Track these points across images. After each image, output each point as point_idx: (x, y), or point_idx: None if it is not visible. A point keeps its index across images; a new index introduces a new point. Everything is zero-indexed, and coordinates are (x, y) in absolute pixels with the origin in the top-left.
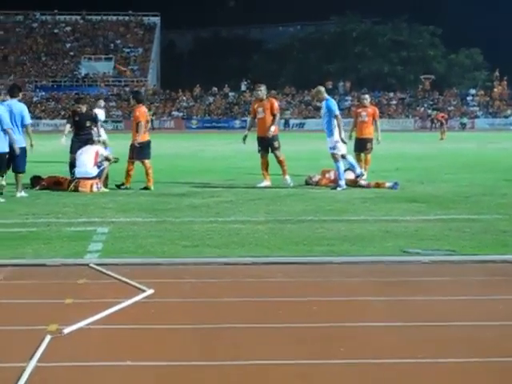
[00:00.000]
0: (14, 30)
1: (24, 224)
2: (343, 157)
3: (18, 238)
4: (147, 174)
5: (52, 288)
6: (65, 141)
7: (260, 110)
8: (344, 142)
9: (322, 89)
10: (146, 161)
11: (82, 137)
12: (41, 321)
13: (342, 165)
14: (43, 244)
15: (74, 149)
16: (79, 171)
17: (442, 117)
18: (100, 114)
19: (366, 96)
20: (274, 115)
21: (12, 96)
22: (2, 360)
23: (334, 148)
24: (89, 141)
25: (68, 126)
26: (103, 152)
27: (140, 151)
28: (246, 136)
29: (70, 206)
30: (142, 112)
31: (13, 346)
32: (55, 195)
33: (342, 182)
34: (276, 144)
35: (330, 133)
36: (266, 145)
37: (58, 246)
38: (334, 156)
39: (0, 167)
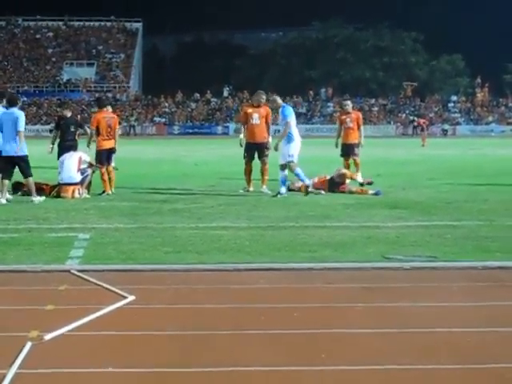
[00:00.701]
0: None
1: (5, 230)
2: (283, 167)
3: None
4: (110, 179)
5: (33, 294)
6: (51, 149)
7: (256, 116)
8: (275, 149)
9: (277, 97)
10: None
11: (66, 143)
12: (22, 327)
13: (300, 170)
14: (24, 250)
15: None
16: (63, 177)
17: (424, 122)
18: None
19: (348, 102)
20: (267, 123)
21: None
22: None
23: (292, 156)
24: (72, 147)
25: (54, 134)
26: (86, 158)
27: (102, 157)
28: (241, 140)
29: (51, 211)
30: (96, 118)
31: None
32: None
33: (307, 181)
34: (267, 152)
35: (289, 139)
36: (255, 152)
37: (39, 252)
38: (290, 165)
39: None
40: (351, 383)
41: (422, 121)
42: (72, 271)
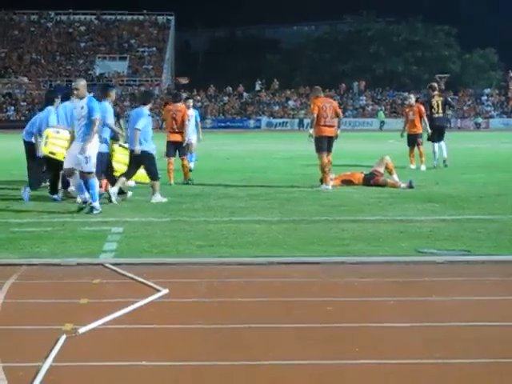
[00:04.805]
0: (29, 30)
1: (39, 223)
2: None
3: (34, 237)
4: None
5: (67, 288)
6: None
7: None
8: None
9: (81, 82)
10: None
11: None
12: (56, 320)
13: (96, 183)
14: (58, 243)
15: None
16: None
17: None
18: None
19: (411, 96)
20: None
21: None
22: (17, 359)
23: (91, 160)
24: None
25: None
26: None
27: (168, 148)
28: (310, 134)
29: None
30: (165, 110)
31: (28, 345)
32: (70, 194)
33: (79, 199)
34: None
35: (87, 138)
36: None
37: (73, 245)
38: (91, 174)
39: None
40: (385, 377)
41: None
42: (106, 265)
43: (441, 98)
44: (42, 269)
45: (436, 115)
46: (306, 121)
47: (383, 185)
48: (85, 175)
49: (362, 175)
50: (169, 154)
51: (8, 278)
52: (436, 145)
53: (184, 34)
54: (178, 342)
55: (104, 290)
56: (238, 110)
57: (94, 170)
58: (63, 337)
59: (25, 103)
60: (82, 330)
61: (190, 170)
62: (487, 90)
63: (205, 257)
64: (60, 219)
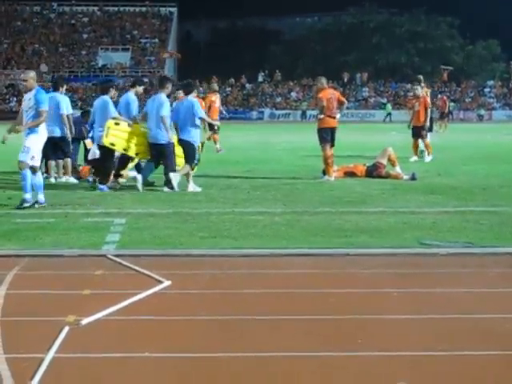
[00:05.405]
0: (32, 21)
1: (42, 215)
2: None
3: (36, 228)
4: None
5: (70, 279)
6: None
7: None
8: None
9: (30, 74)
10: None
11: None
12: (59, 312)
13: (29, 175)
14: (61, 235)
15: None
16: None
17: (444, 101)
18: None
19: (418, 87)
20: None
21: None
22: (20, 351)
23: (29, 151)
24: None
25: None
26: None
27: None
28: (320, 118)
29: (87, 196)
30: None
31: (31, 336)
32: (72, 186)
33: (28, 196)
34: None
35: (35, 130)
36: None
37: (75, 236)
38: (23, 164)
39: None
40: (388, 369)
41: (443, 98)
42: (108, 256)
43: (429, 90)
44: (45, 260)
45: None
46: (309, 112)
47: (386, 176)
48: (18, 164)
49: (365, 167)
50: None
51: (11, 269)
52: (428, 134)
53: (186, 24)
54: (180, 334)
55: (106, 282)
56: (240, 101)
57: (27, 161)
58: (66, 328)
59: None
60: (85, 321)
61: None
62: (490, 82)
63: (207, 248)
64: (62, 210)
